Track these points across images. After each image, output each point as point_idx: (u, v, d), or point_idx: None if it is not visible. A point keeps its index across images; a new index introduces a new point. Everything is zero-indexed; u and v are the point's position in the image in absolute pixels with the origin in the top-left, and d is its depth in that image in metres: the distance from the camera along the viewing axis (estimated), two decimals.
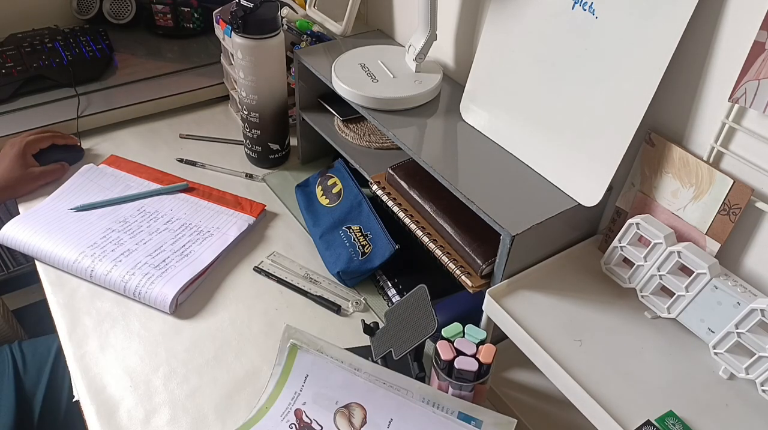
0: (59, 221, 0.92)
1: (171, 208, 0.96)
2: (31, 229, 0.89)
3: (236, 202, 0.98)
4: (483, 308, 0.68)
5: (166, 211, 0.96)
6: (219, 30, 1.07)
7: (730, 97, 0.56)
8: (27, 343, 0.98)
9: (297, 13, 1.07)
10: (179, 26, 1.34)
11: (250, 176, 1.05)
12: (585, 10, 0.64)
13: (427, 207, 0.78)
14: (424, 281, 0.71)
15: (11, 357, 0.94)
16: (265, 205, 0.98)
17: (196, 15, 1.33)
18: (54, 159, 1.00)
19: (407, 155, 0.78)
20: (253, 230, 0.95)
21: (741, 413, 0.57)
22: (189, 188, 1.01)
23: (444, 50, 0.91)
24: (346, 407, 0.68)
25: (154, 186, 1.00)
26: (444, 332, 0.65)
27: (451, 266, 0.73)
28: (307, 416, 0.67)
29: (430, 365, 0.66)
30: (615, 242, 0.67)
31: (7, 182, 0.93)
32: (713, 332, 0.60)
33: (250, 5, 0.89)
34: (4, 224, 0.90)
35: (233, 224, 0.94)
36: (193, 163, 1.07)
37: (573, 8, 0.65)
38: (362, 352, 0.73)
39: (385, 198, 0.82)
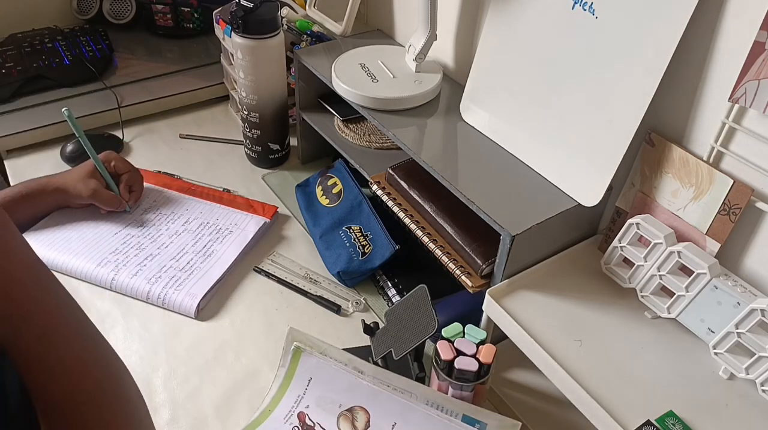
0: (77, 229, 0.90)
1: (186, 209, 0.96)
2: (47, 240, 0.87)
3: (248, 205, 0.98)
4: (483, 308, 0.68)
5: (182, 211, 0.96)
6: (219, 30, 1.07)
7: (730, 97, 0.56)
8: None
9: (297, 13, 1.07)
10: (179, 26, 1.34)
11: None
12: (585, 10, 0.64)
13: (427, 207, 0.78)
14: (424, 281, 0.71)
15: None
16: (277, 208, 0.98)
17: (196, 15, 1.33)
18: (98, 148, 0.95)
19: (407, 155, 0.78)
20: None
21: (741, 413, 0.57)
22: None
23: (444, 50, 0.91)
24: (350, 410, 0.67)
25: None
26: (444, 332, 0.65)
27: (451, 266, 0.73)
28: (310, 419, 0.67)
29: (430, 365, 0.66)
30: (615, 242, 0.67)
31: (68, 183, 0.88)
32: (713, 332, 0.60)
33: (250, 5, 0.89)
34: None
35: (250, 220, 0.94)
36: None
37: (573, 8, 0.65)
38: (362, 352, 0.73)
39: (385, 198, 0.82)
